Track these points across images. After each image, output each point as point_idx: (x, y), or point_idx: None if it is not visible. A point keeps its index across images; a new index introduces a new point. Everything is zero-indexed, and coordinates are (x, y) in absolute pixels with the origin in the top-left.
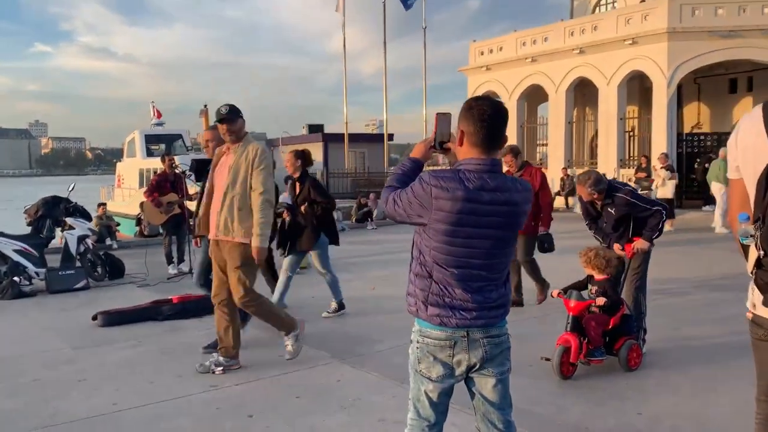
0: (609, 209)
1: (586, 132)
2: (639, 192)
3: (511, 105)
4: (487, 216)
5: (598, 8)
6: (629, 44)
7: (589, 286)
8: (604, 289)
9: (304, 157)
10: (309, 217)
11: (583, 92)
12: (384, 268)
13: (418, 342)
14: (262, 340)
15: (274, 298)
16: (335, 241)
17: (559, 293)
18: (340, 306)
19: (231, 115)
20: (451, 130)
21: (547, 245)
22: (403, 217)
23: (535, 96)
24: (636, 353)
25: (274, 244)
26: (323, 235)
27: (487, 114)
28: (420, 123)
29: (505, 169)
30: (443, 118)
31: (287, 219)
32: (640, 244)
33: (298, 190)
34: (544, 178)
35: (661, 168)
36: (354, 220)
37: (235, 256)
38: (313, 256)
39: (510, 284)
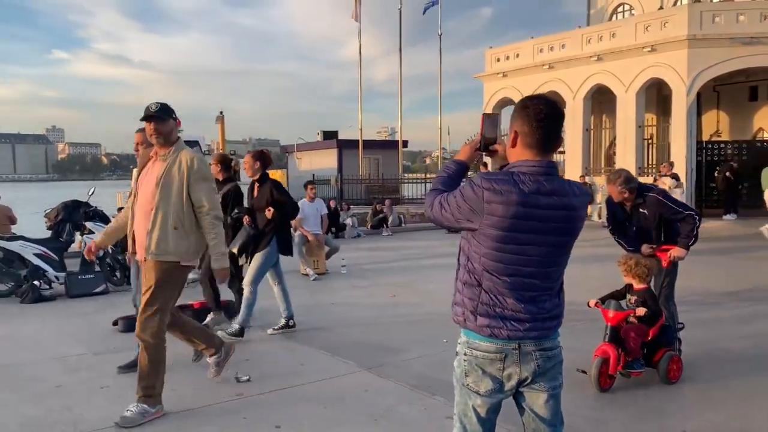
0: (641, 209)
1: (603, 140)
2: None
3: None
4: (543, 221)
5: (615, 16)
6: (648, 51)
7: (628, 296)
8: (644, 299)
9: (263, 158)
10: (274, 221)
11: (600, 100)
12: (402, 275)
13: (465, 354)
14: (284, 348)
15: (242, 313)
16: (288, 250)
17: (596, 303)
18: (240, 333)
19: (160, 113)
20: (497, 131)
21: None
22: (450, 221)
23: None
24: (676, 365)
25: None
26: (275, 242)
27: (543, 113)
28: (435, 130)
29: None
30: (490, 119)
31: (248, 225)
32: (676, 251)
33: (256, 193)
34: None
35: (665, 176)
36: (369, 227)
37: (151, 276)
38: (252, 263)
39: (563, 294)
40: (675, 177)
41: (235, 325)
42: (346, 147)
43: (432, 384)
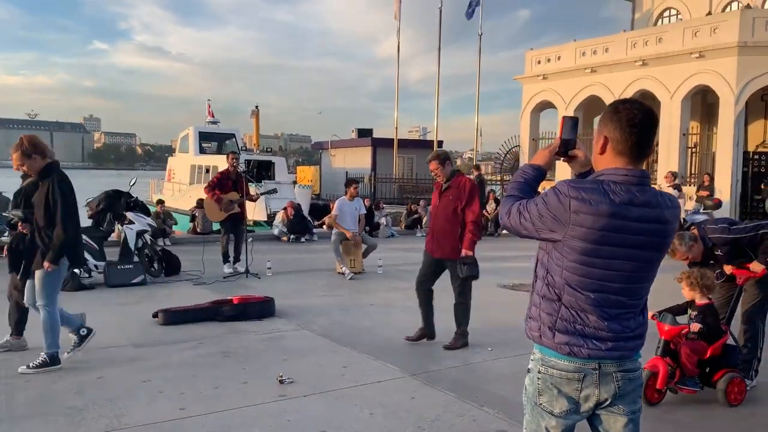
0: (717, 252)
1: None
2: (701, 212)
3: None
4: (633, 234)
5: (660, 20)
6: (696, 58)
7: (689, 311)
8: (705, 315)
9: (35, 147)
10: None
11: None
12: (440, 278)
13: (539, 372)
14: (325, 348)
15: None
16: (78, 262)
17: (653, 315)
18: (52, 361)
19: None
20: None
21: (468, 271)
22: (530, 231)
23: (592, 108)
24: (738, 388)
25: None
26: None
27: (637, 119)
28: (466, 131)
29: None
30: (570, 122)
31: (25, 233)
32: (754, 266)
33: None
34: (474, 190)
35: (668, 186)
36: (403, 227)
37: None
38: (36, 281)
39: (647, 312)
40: (677, 188)
41: (42, 355)
42: (380, 145)
43: (479, 394)
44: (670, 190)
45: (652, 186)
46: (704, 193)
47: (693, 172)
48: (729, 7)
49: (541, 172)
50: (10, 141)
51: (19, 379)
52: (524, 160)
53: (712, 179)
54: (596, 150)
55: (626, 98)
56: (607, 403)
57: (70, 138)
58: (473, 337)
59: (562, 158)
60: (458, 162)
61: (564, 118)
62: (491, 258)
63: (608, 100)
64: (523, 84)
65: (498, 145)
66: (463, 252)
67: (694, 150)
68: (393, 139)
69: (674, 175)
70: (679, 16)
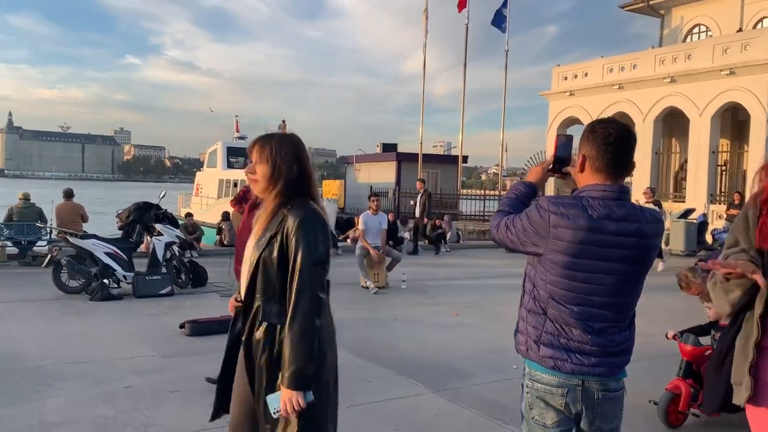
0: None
1: (672, 163)
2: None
3: None
4: (612, 248)
5: (690, 37)
6: (726, 74)
7: (712, 332)
8: None
9: None
10: None
11: (670, 122)
12: (463, 294)
13: (527, 387)
14: (349, 362)
15: None
16: None
17: (674, 335)
18: None
19: None
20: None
21: None
22: (515, 244)
23: None
24: None
25: None
26: None
27: (612, 137)
28: (491, 145)
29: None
30: (563, 141)
31: None
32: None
33: None
34: None
35: (647, 203)
36: (427, 242)
37: None
38: None
39: (634, 327)
40: (657, 204)
41: None
42: (405, 160)
43: (504, 412)
44: (650, 207)
45: (634, 201)
46: (734, 212)
47: (723, 190)
48: (760, 23)
49: (532, 189)
50: (44, 153)
51: (49, 387)
52: None
53: (742, 198)
54: (577, 168)
55: (603, 118)
56: (588, 419)
57: (101, 150)
58: (501, 354)
59: (556, 174)
60: (483, 177)
61: (558, 135)
62: (512, 275)
63: (636, 116)
64: (550, 100)
65: (523, 161)
66: None
67: (724, 168)
68: (417, 154)
69: (653, 191)
70: (709, 33)
